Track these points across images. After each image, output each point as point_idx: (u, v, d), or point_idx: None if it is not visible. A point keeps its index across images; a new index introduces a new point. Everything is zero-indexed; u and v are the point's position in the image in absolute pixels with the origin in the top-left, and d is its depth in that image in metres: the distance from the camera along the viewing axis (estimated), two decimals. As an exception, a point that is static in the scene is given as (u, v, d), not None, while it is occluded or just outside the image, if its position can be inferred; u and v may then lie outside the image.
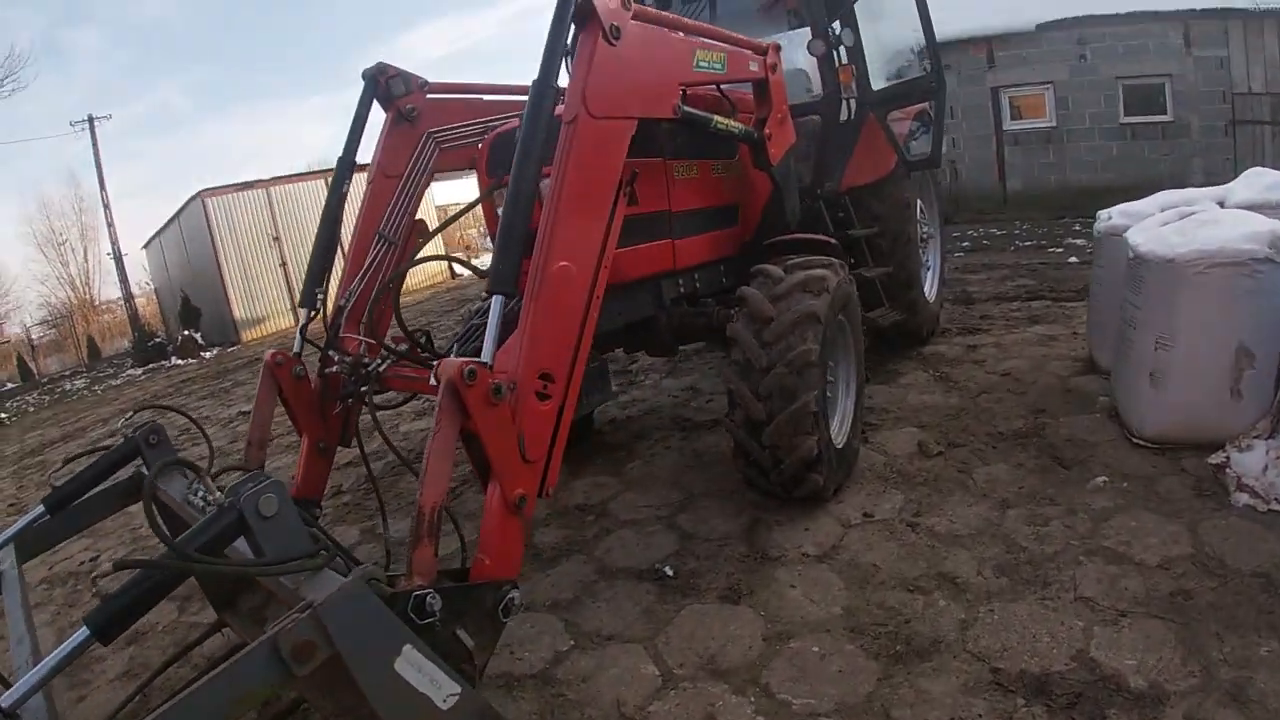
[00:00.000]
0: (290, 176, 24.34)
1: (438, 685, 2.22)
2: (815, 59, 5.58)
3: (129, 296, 29.33)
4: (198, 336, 22.61)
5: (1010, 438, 5.05)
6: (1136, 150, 16.00)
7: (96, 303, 40.90)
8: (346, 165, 4.46)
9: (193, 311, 23.99)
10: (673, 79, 3.91)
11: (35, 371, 27.74)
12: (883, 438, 5.35)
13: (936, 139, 6.93)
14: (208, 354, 21.59)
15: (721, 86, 4.75)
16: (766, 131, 4.78)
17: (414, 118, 4.57)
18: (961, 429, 5.30)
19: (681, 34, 4.01)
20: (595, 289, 3.15)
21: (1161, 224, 4.92)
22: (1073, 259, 10.90)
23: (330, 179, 4.66)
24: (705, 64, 4.13)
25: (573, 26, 3.20)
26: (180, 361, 21.37)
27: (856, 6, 5.99)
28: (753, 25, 6.20)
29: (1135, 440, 4.66)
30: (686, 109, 3.98)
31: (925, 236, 7.55)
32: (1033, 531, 3.95)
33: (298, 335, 4.07)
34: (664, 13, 4.03)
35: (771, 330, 4.15)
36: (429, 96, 4.69)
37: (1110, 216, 5.90)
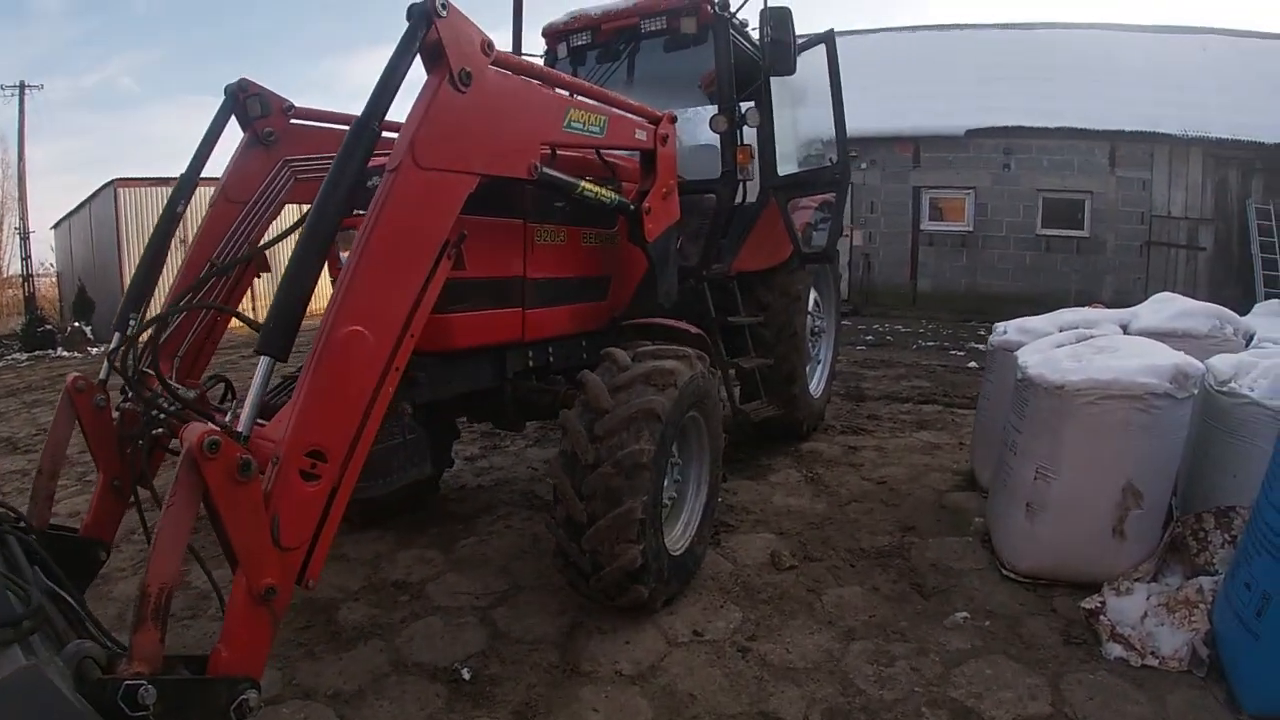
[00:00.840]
0: (208, 179, 23.16)
1: (132, 787, 1.90)
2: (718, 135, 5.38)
3: (28, 276, 27.91)
4: (88, 330, 21.34)
5: (872, 556, 4.61)
6: (1050, 262, 16.18)
7: (3, 276, 38.86)
8: (188, 184, 3.94)
9: (87, 303, 22.87)
10: (533, 137, 3.51)
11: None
12: (736, 542, 4.85)
13: (834, 233, 6.56)
14: (95, 349, 20.36)
15: (606, 151, 4.46)
16: (646, 205, 4.45)
17: (271, 142, 4.05)
18: (822, 540, 4.84)
19: (554, 90, 3.73)
20: (395, 360, 2.72)
21: (1056, 345, 4.58)
22: (972, 364, 10.78)
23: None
24: (579, 125, 3.79)
25: (418, 59, 2.80)
26: (66, 353, 20.08)
27: (775, 90, 5.85)
28: (670, 94, 5.95)
29: (1005, 572, 4.24)
30: (548, 171, 3.62)
31: (817, 330, 7.22)
32: (874, 672, 3.46)
33: (105, 362, 3.51)
34: (535, 64, 3.74)
35: (604, 424, 3.64)
36: (292, 122, 4.17)
37: (1006, 330, 5.57)
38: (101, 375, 3.43)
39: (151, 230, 3.91)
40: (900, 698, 3.27)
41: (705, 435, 4.43)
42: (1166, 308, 5.21)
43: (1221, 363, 4.17)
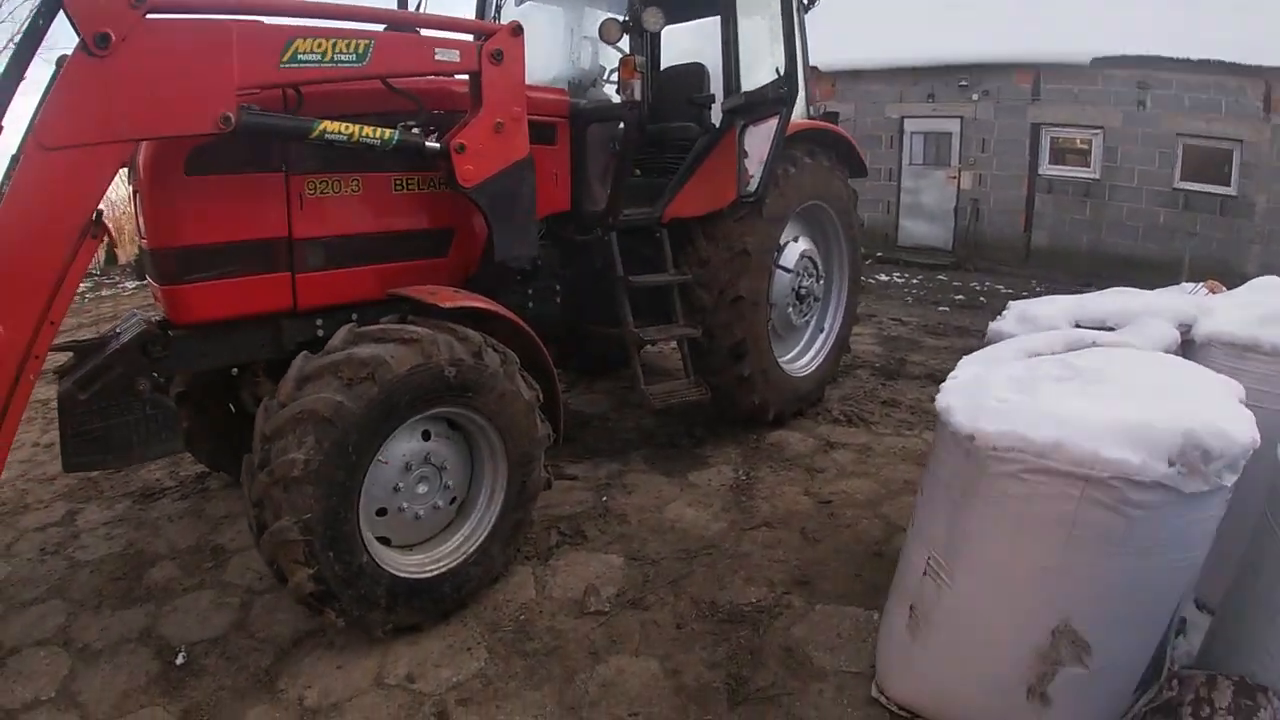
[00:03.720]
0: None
1: None
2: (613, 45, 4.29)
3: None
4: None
5: (718, 617, 3.30)
6: (1187, 222, 13.56)
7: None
8: None
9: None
10: (221, 84, 2.89)
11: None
12: (569, 561, 3.78)
13: (768, 168, 4.85)
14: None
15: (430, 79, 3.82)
16: (458, 142, 3.51)
17: None
18: (673, 580, 3.58)
19: (265, 22, 3.09)
20: (33, 349, 2.68)
21: (1028, 353, 3.01)
22: (1060, 340, 8.80)
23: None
24: (313, 57, 3.10)
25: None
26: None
27: None
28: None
29: (874, 693, 2.80)
30: (254, 119, 2.99)
31: (805, 293, 5.59)
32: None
33: None
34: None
35: (272, 421, 2.93)
36: None
37: (1006, 316, 3.92)
38: None
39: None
40: None
41: (495, 437, 3.45)
42: (1264, 300, 3.34)
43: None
